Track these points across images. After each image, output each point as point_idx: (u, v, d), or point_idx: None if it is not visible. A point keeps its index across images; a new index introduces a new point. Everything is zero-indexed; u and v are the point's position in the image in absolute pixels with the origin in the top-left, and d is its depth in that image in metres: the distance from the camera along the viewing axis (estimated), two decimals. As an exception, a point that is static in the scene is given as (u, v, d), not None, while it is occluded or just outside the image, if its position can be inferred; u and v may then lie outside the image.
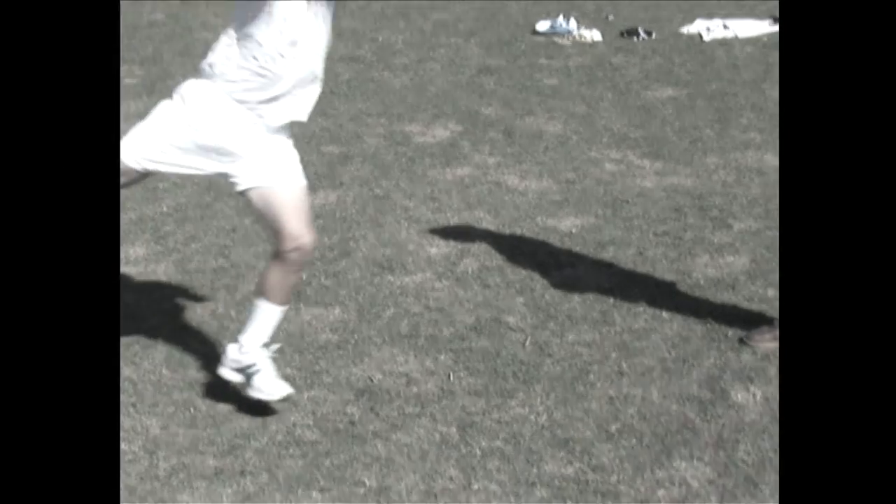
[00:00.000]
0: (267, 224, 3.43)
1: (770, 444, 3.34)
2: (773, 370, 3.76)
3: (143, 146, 3.33)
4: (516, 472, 3.26)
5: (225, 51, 3.24)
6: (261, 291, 3.50)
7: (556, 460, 3.31)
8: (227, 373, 3.56)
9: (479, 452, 3.37)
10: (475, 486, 3.19)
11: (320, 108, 7.18)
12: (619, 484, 3.18)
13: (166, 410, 3.66)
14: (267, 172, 3.35)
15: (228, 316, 4.32)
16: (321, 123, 6.78)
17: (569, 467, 3.27)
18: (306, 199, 3.45)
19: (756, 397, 3.61)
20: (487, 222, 5.15)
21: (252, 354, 3.51)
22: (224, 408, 3.67)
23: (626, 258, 4.73)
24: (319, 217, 5.32)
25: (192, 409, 3.67)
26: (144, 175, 3.42)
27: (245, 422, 3.59)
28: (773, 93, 6.83)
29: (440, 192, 5.52)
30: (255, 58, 3.21)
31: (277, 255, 3.41)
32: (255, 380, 3.50)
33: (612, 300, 4.32)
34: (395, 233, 5.06)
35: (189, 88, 3.33)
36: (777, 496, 3.07)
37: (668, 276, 4.55)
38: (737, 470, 3.23)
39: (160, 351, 3.99)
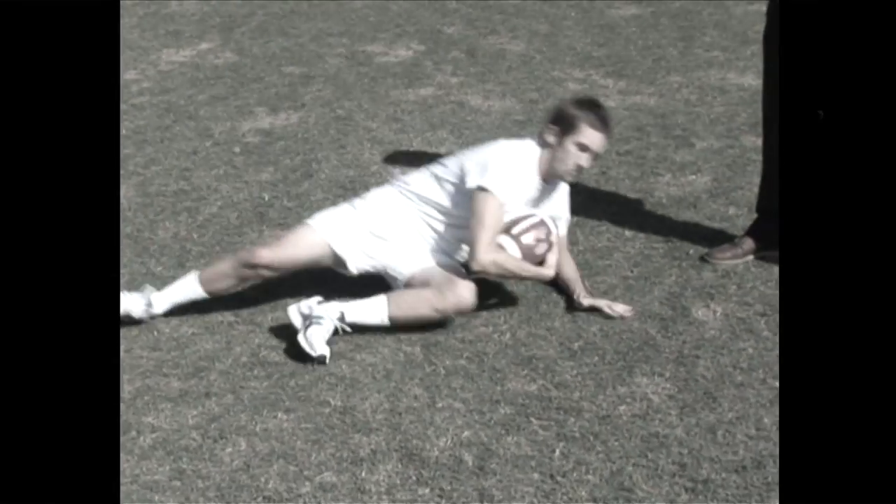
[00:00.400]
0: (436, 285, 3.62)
1: (729, 360, 3.39)
2: (733, 287, 3.80)
3: (331, 228, 3.72)
4: (480, 390, 3.29)
5: (420, 187, 3.73)
6: (391, 297, 3.58)
7: (519, 378, 3.35)
8: (293, 312, 3.54)
9: (443, 371, 3.40)
10: (439, 405, 3.23)
11: (280, 28, 7.13)
12: (582, 400, 3.22)
13: (129, 333, 3.66)
14: (426, 260, 3.69)
15: (190, 238, 4.31)
16: (282, 43, 6.70)
17: (532, 384, 3.31)
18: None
19: (716, 314, 3.66)
20: (451, 143, 5.13)
21: (328, 312, 3.51)
22: (188, 330, 3.67)
23: (588, 177, 4.73)
24: (281, 139, 5.29)
25: (155, 333, 3.67)
26: (337, 263, 3.73)
27: (209, 344, 3.59)
28: (737, 10, 6.81)
29: (403, 113, 5.49)
30: (433, 216, 3.71)
31: (440, 295, 3.55)
32: (311, 331, 3.47)
33: (574, 219, 4.33)
34: (357, 154, 5.04)
35: (374, 193, 3.84)
36: (736, 409, 3.13)
37: (631, 195, 4.56)
38: (696, 385, 3.28)
39: (122, 275, 3.97)
